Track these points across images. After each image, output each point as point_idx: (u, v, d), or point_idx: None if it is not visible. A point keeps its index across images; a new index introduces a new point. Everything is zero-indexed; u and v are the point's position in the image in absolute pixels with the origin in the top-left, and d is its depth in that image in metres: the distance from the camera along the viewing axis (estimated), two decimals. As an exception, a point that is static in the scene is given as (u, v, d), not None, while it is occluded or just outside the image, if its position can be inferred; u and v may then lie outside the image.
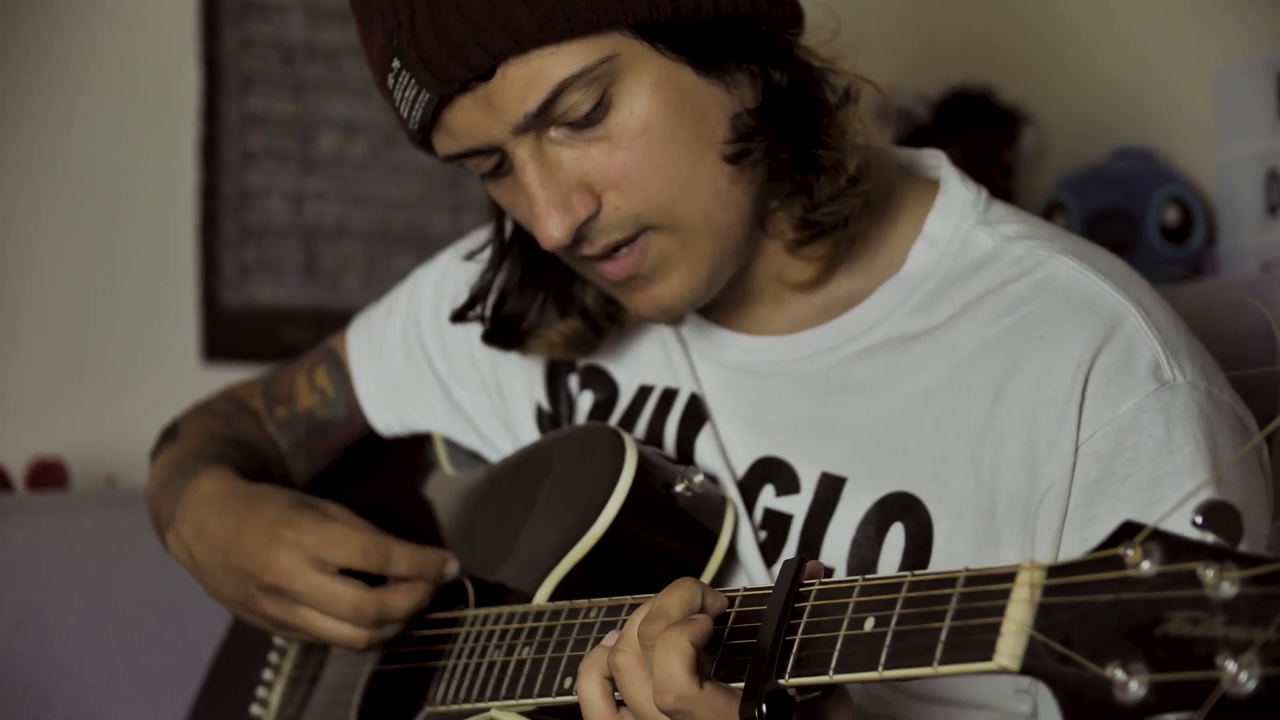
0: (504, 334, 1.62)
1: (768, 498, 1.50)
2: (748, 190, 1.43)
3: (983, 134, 2.81)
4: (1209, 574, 0.92)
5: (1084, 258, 1.45)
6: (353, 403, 1.85)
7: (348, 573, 1.54)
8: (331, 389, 1.85)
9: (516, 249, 1.60)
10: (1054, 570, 1.00)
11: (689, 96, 1.39)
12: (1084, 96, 2.84)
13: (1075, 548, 1.34)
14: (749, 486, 1.51)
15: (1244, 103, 2.50)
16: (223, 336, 3.07)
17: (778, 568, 1.44)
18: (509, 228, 1.60)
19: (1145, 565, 0.95)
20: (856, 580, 1.13)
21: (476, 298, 1.63)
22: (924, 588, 1.08)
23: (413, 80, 1.38)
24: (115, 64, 2.98)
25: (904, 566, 1.40)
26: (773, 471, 1.50)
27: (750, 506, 1.50)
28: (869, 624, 1.10)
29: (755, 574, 1.48)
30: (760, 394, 1.54)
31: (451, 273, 1.78)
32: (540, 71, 1.35)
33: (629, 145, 1.38)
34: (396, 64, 1.39)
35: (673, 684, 1.14)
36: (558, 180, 1.39)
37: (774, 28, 1.43)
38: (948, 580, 1.06)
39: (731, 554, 1.49)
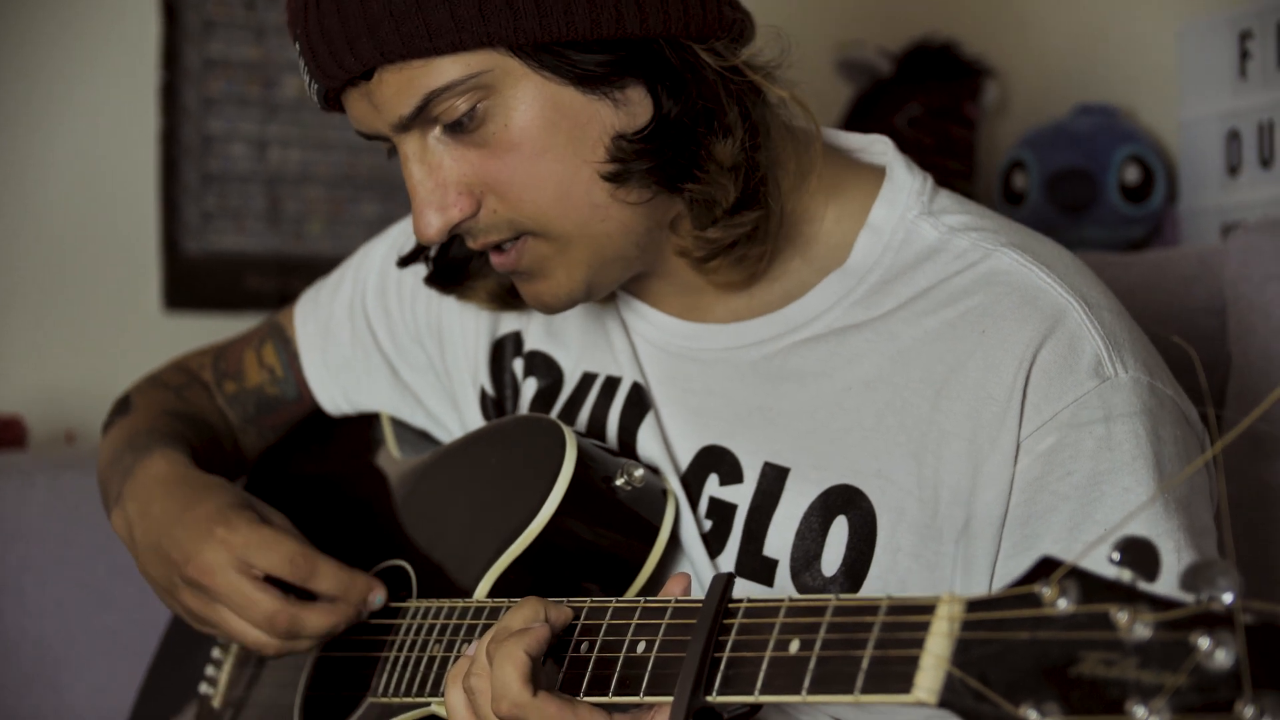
0: (448, 275, 1.63)
1: (712, 486, 1.50)
2: (632, 205, 1.43)
3: (945, 88, 2.80)
4: (1122, 617, 0.92)
5: (1029, 250, 1.44)
6: (301, 381, 1.85)
7: (277, 581, 1.54)
8: (279, 367, 1.85)
9: None
10: (973, 605, 1.00)
11: (567, 113, 1.39)
12: (1048, 50, 2.82)
13: (1018, 544, 1.36)
14: (694, 475, 1.51)
15: (1206, 61, 2.50)
16: (185, 285, 3.06)
17: (696, 577, 1.46)
18: None
19: (1062, 603, 0.95)
20: (783, 600, 1.14)
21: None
22: (847, 613, 1.08)
23: (305, 66, 1.44)
24: (74, 11, 2.96)
25: (847, 560, 1.41)
26: (716, 460, 1.51)
27: (695, 496, 1.51)
28: (794, 646, 1.10)
29: (699, 564, 1.48)
30: (703, 381, 1.54)
31: (398, 247, 1.78)
32: (411, 80, 1.38)
33: (502, 156, 1.40)
34: (298, 46, 1.44)
35: (507, 690, 1.21)
36: (437, 179, 1.42)
37: (675, 46, 1.41)
38: (870, 607, 1.06)
39: (675, 544, 1.50)
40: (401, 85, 1.38)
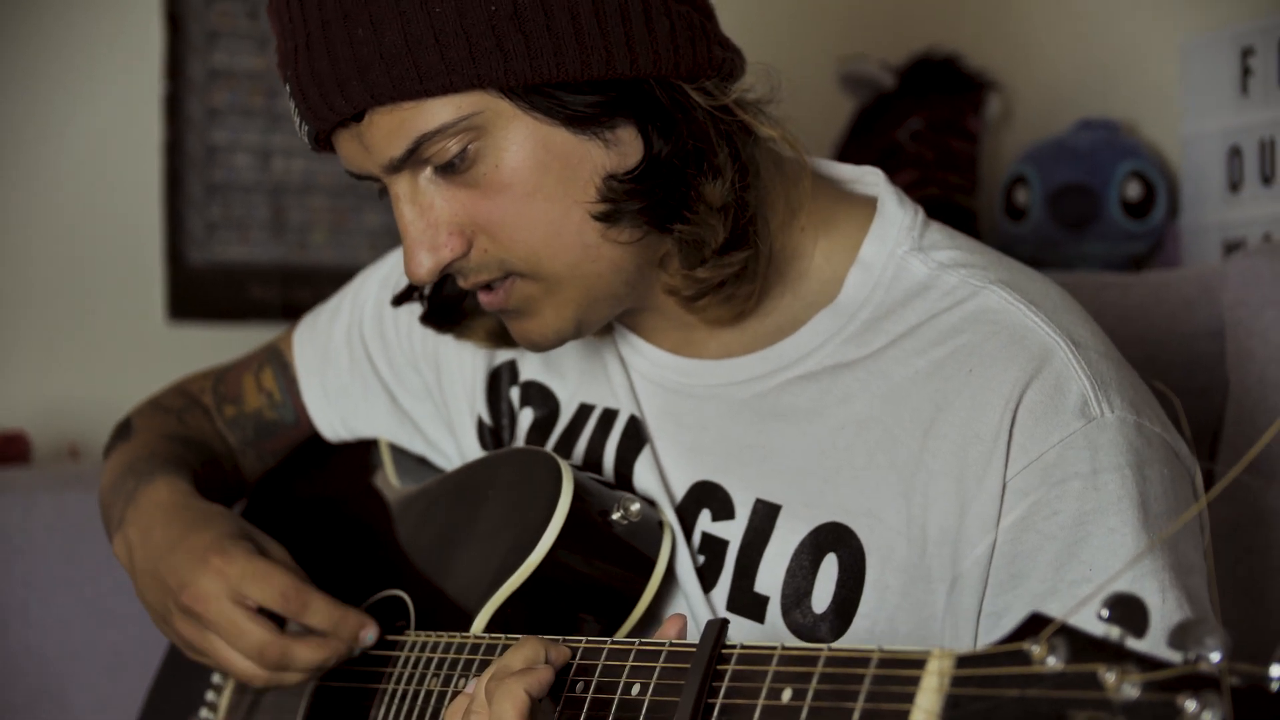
0: (443, 314, 1.63)
1: (705, 522, 1.51)
2: (623, 244, 1.43)
3: (948, 101, 2.80)
4: (1110, 676, 0.92)
5: (1017, 287, 1.44)
6: (299, 407, 1.85)
7: (270, 614, 1.54)
8: (278, 392, 1.86)
9: None
10: (963, 660, 1.00)
11: (558, 153, 1.39)
12: (1050, 65, 2.82)
13: (1004, 583, 1.36)
14: (687, 510, 1.52)
15: (1209, 76, 2.50)
16: (189, 295, 3.07)
17: (691, 617, 1.46)
18: None
19: (1051, 661, 0.95)
20: (776, 648, 1.14)
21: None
22: (839, 664, 1.08)
23: (295, 107, 1.43)
24: (77, 23, 2.96)
25: (837, 597, 1.42)
26: (708, 496, 1.51)
27: (689, 530, 1.51)
28: (786, 695, 1.11)
29: (693, 598, 1.49)
30: (697, 417, 1.54)
31: (396, 274, 1.78)
32: (402, 122, 1.38)
33: (493, 197, 1.40)
34: (288, 88, 1.43)
35: None
36: (428, 219, 1.42)
37: (665, 86, 1.41)
38: (861, 659, 1.07)
39: (671, 576, 1.50)
40: (392, 127, 1.38)
